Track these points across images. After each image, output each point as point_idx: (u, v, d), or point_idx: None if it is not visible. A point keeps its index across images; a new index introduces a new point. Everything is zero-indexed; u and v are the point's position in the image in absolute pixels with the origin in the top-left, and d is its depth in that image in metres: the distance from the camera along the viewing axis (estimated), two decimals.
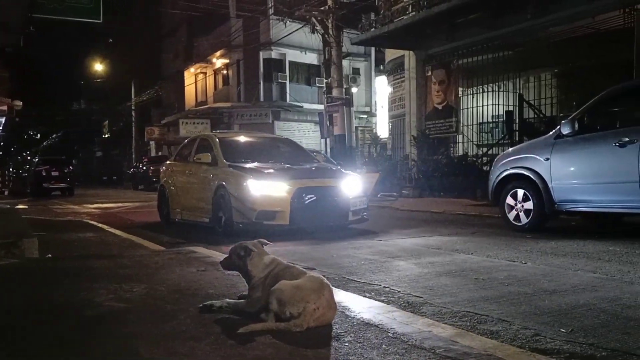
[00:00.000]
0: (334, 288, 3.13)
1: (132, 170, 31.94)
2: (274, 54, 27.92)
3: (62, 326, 3.07)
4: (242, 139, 9.42)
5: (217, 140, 8.50)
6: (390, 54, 18.64)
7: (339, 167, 9.73)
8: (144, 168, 28.20)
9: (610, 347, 2.67)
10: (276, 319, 2.85)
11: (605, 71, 11.05)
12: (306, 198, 7.24)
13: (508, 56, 13.97)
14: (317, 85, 26.05)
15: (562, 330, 2.95)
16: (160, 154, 34.66)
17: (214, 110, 29.44)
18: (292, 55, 27.98)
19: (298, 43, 26.20)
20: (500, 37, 13.45)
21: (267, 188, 7.13)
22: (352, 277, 4.49)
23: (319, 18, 18.35)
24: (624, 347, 2.66)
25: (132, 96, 40.42)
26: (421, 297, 3.78)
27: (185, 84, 34.18)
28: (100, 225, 9.30)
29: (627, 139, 6.15)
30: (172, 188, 9.30)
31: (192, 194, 8.54)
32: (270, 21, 25.51)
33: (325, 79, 19.89)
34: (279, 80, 27.72)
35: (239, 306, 3.20)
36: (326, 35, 18.48)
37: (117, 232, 8.11)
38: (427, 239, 6.92)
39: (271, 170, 7.55)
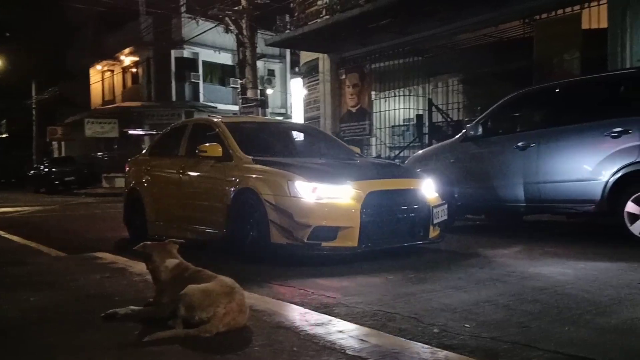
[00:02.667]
0: (245, 292, 3.07)
1: (32, 172, 30.08)
2: (187, 52, 27.32)
3: None
4: (256, 125, 7.22)
5: (225, 126, 6.28)
6: (305, 56, 18.74)
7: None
8: (46, 170, 26.71)
9: (511, 340, 2.80)
10: (185, 325, 2.74)
11: (508, 78, 11.67)
12: (381, 207, 5.16)
13: (418, 62, 14.44)
14: (232, 85, 25.75)
15: (466, 325, 3.06)
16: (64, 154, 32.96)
17: (122, 110, 28.33)
18: (206, 55, 27.50)
19: (212, 42, 25.77)
20: (411, 43, 13.88)
21: (326, 193, 5.01)
22: None
23: (232, 18, 18.13)
24: (523, 340, 2.79)
25: (33, 94, 38.10)
26: (334, 298, 3.79)
27: (91, 82, 32.66)
28: None
29: (526, 142, 6.53)
30: (152, 192, 6.99)
31: (189, 201, 6.34)
32: (182, 19, 24.92)
33: (240, 79, 19.70)
34: (192, 80, 27.14)
35: (145, 313, 3.06)
36: (240, 36, 18.29)
37: (15, 238, 7.57)
38: None
39: (327, 168, 5.54)
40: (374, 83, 15.35)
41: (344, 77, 15.86)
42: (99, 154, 29.57)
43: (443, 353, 2.49)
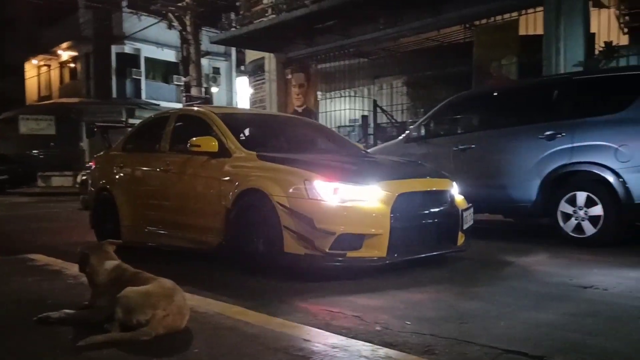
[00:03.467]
0: (186, 293, 3.01)
1: None
2: (128, 48, 26.62)
3: None
4: (251, 117, 6.52)
5: (218, 117, 5.45)
6: (251, 55, 18.61)
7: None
8: None
9: (449, 336, 2.86)
10: (122, 329, 2.67)
11: (449, 81, 11.98)
12: (412, 211, 4.60)
13: (363, 63, 14.61)
14: (176, 83, 25.25)
15: (407, 322, 3.11)
16: None
17: (59, 106, 27.30)
18: (148, 51, 26.88)
19: (155, 38, 25.23)
20: (356, 45, 14.02)
21: (350, 195, 4.32)
22: None
23: (176, 14, 17.80)
24: (461, 336, 2.86)
25: None
26: (278, 298, 3.78)
27: (27, 77, 31.32)
28: None
29: (466, 144, 6.72)
30: (127, 193, 6.14)
31: (176, 204, 5.50)
32: (123, 14, 24.29)
33: (184, 77, 19.36)
34: (134, 77, 26.49)
35: (80, 316, 2.96)
36: (184, 32, 18.00)
37: None
38: None
39: (348, 165, 4.90)
40: (320, 83, 15.42)
41: (290, 76, 15.86)
42: (34, 151, 28.39)
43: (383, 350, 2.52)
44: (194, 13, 17.63)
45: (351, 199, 4.31)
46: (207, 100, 18.39)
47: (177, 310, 2.76)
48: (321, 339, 2.66)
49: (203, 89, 18.52)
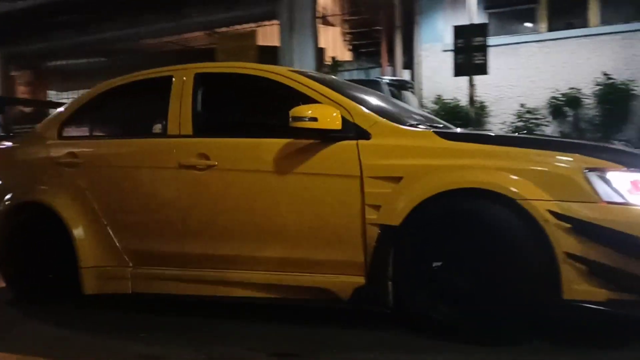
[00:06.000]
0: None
1: None
2: None
3: None
4: (328, 77, 3.92)
5: (306, 77, 3.22)
6: None
7: None
8: None
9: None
10: None
11: None
12: None
13: (104, 62, 13.88)
14: None
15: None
16: None
17: None
18: None
19: None
20: (96, 43, 13.23)
21: None
22: None
23: None
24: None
25: None
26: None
27: None
28: None
29: None
30: (93, 210, 3.49)
31: (239, 224, 3.12)
32: None
33: None
34: None
35: None
36: None
37: None
38: None
39: (616, 145, 3.30)
40: (54, 82, 14.22)
41: (14, 73, 14.32)
42: None
43: None
44: None
45: None
46: None
47: None
48: None
49: None
